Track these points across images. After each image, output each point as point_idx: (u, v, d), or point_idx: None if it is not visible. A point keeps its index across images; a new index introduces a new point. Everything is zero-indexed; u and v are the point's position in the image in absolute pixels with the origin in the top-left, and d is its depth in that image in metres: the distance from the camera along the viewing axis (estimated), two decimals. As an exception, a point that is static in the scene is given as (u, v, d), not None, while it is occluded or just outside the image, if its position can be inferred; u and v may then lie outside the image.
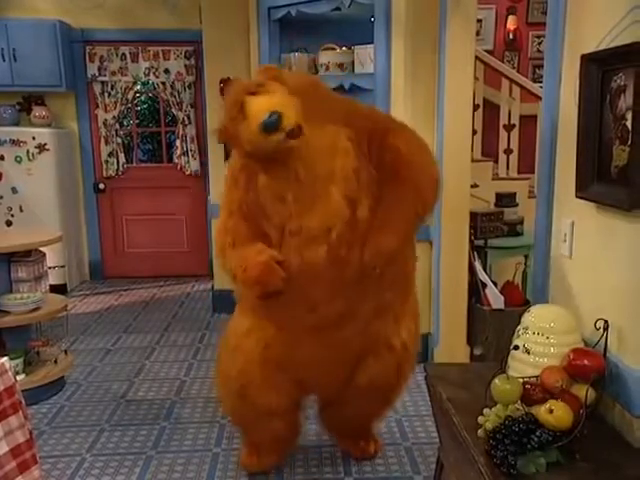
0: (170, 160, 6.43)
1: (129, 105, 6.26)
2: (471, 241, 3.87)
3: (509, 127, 5.31)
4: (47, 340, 3.75)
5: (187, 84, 6.00)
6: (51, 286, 4.09)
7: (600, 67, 1.86)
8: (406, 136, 2.33)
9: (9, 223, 5.62)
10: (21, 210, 5.61)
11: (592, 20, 1.96)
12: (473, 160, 3.99)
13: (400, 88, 3.68)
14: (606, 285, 1.88)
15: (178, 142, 6.16)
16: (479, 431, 1.72)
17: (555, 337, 1.83)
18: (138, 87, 6.39)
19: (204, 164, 5.88)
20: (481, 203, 4.49)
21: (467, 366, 3.03)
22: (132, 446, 3.07)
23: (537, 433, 1.57)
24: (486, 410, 1.75)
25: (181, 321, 5.04)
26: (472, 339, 3.82)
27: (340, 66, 4.11)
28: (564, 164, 2.15)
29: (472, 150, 3.93)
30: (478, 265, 3.83)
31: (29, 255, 3.59)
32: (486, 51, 5.76)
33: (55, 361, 3.69)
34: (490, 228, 4.09)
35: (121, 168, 6.15)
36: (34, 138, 5.54)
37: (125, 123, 6.72)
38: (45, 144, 5.56)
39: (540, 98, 3.08)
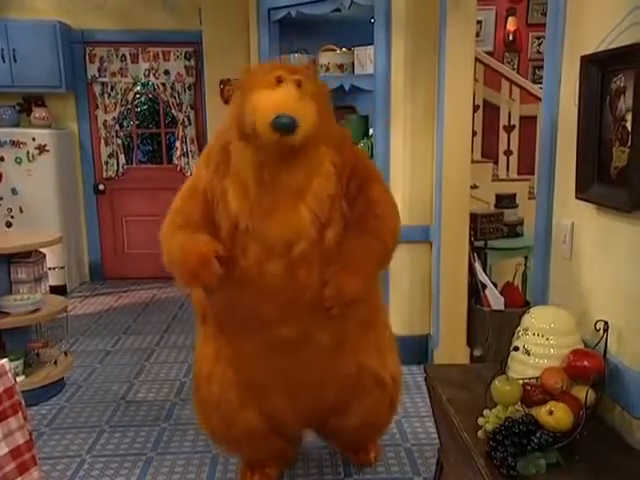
0: (170, 161, 6.42)
1: (129, 106, 6.26)
2: (471, 242, 3.87)
3: (509, 128, 5.32)
4: (47, 341, 3.74)
5: (187, 85, 6.00)
6: (51, 287, 4.09)
7: (600, 68, 1.86)
8: (384, 193, 2.37)
9: (9, 224, 5.61)
10: (21, 211, 5.60)
11: (592, 21, 1.96)
12: (473, 161, 3.99)
13: (400, 89, 3.68)
14: (606, 286, 1.88)
15: (178, 143, 6.15)
16: (479, 432, 1.72)
17: (555, 338, 1.83)
18: (138, 88, 6.39)
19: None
20: (481, 204, 4.49)
21: (467, 367, 3.02)
22: (132, 447, 3.07)
23: (537, 434, 1.57)
24: (486, 411, 1.75)
25: (181, 322, 5.03)
26: (472, 340, 3.82)
27: (340, 67, 4.11)
28: (564, 165, 2.15)
29: (472, 151, 3.93)
30: (478, 266, 3.83)
31: (29, 256, 3.59)
32: (486, 52, 5.76)
33: (55, 362, 3.68)
34: (490, 229, 4.09)
35: (121, 169, 6.15)
36: (34, 139, 5.54)
37: (125, 124, 6.72)
38: (45, 145, 5.55)
39: (540, 99, 3.09)
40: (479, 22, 6.39)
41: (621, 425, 1.77)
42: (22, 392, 1.74)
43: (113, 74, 5.92)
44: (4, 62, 5.51)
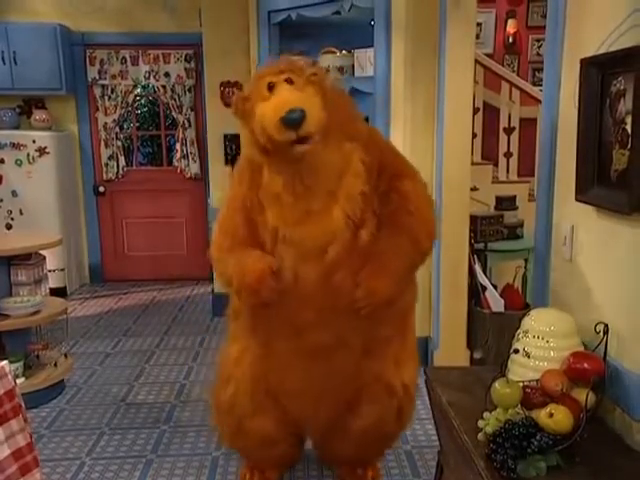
0: (170, 163, 6.43)
1: (129, 108, 6.26)
2: (471, 244, 3.87)
3: (509, 130, 5.32)
4: (47, 343, 3.74)
5: (187, 87, 6.00)
6: (51, 289, 4.09)
7: (600, 71, 1.86)
8: (417, 187, 2.30)
9: (9, 226, 5.62)
10: (21, 213, 5.61)
11: (592, 24, 1.96)
12: (473, 163, 3.99)
13: (400, 91, 3.68)
14: (606, 289, 1.88)
15: (178, 145, 6.16)
16: (479, 435, 1.72)
17: (555, 341, 1.83)
18: (138, 90, 6.39)
19: (204, 167, 5.89)
20: (481, 206, 4.49)
21: (467, 369, 3.02)
22: (132, 450, 3.07)
23: (537, 437, 1.57)
24: (486, 414, 1.75)
25: (181, 324, 5.04)
26: (472, 342, 3.82)
27: (340, 69, 4.12)
28: (564, 167, 2.15)
29: (472, 153, 3.93)
30: (478, 268, 3.83)
31: (29, 258, 3.59)
32: (486, 54, 5.77)
33: (55, 364, 3.68)
34: (490, 231, 4.08)
35: (121, 171, 6.15)
36: (34, 141, 5.54)
37: (125, 126, 6.73)
38: (45, 147, 5.56)
39: (540, 101, 3.09)
40: (479, 24, 6.40)
41: (621, 427, 1.77)
42: (22, 394, 1.74)
43: (113, 76, 5.93)
44: (4, 64, 5.52)
